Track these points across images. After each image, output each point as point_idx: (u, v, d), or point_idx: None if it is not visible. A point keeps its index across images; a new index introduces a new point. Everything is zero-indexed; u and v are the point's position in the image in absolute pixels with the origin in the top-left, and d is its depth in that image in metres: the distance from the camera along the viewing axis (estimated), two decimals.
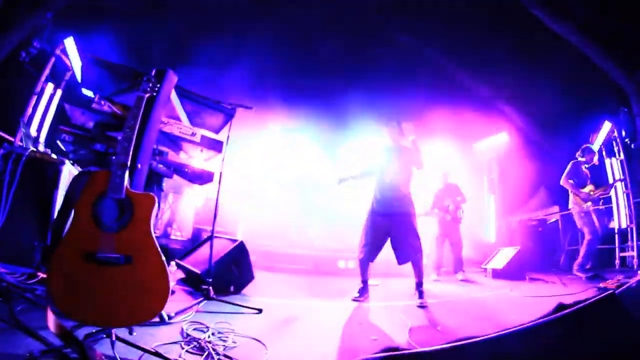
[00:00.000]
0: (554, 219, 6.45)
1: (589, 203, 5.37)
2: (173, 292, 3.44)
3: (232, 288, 3.98)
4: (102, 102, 2.98)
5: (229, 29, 7.98)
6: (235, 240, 4.32)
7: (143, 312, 1.93)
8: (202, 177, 3.90)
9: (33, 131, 4.24)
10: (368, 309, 3.80)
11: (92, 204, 2.02)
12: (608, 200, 6.16)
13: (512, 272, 6.06)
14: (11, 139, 4.11)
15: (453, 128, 7.77)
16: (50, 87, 4.76)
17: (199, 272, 3.86)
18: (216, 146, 3.67)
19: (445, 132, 8.08)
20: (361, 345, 2.51)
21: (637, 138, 5.92)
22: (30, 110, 4.40)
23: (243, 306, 3.22)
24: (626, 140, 5.89)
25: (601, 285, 4.70)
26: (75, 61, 4.75)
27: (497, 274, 6.23)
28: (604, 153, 6.46)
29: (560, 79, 6.93)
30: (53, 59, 4.63)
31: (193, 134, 3.55)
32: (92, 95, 3.16)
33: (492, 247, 7.76)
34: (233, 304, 3.21)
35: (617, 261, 5.91)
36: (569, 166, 5.75)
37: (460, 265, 6.38)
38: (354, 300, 4.05)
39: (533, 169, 7.92)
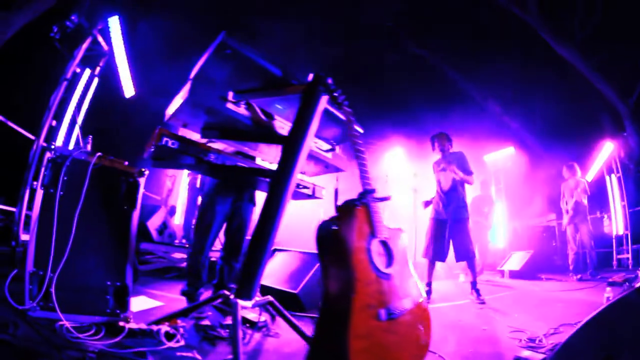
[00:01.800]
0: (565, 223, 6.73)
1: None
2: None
3: (319, 304, 3.51)
4: (239, 103, 2.19)
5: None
6: (310, 253, 3.80)
7: (423, 352, 1.77)
8: (313, 194, 3.23)
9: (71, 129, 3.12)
10: (446, 310, 3.73)
11: (366, 249, 1.65)
12: (607, 210, 6.70)
13: (528, 273, 6.30)
14: (45, 142, 2.99)
15: (465, 141, 7.83)
16: (87, 73, 3.57)
17: (297, 292, 3.33)
18: (341, 164, 2.89)
19: (458, 145, 8.05)
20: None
21: (633, 157, 6.46)
22: (58, 100, 3.23)
23: None
24: (624, 159, 6.41)
25: (610, 280, 5.05)
26: (118, 45, 3.65)
27: (514, 275, 6.40)
28: (604, 170, 6.85)
29: (566, 100, 7.26)
30: (90, 39, 3.48)
31: (329, 150, 2.76)
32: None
33: (502, 252, 7.90)
34: None
35: (614, 262, 6.35)
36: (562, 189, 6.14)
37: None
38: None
39: (535, 180, 8.15)
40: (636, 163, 6.42)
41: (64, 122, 3.30)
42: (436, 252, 4.23)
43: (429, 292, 4.15)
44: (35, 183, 2.18)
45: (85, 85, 3.48)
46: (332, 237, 1.71)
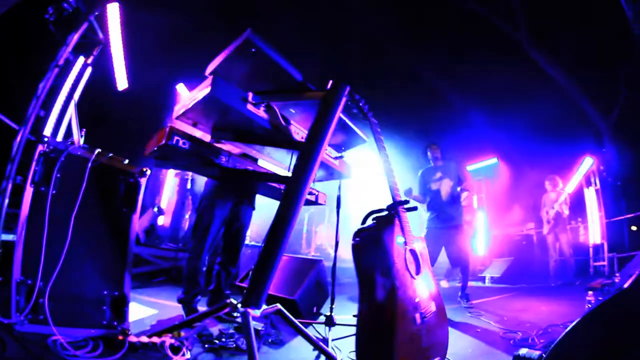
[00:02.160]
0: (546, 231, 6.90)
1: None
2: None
3: (314, 309, 3.50)
4: (258, 104, 2.01)
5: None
6: (314, 260, 3.73)
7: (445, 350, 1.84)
8: (317, 200, 3.10)
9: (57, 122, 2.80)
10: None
11: (403, 257, 1.73)
12: (584, 220, 6.97)
13: (509, 279, 6.46)
14: (47, 136, 2.68)
15: (449, 151, 7.90)
16: (80, 61, 3.24)
17: (295, 298, 3.23)
18: (346, 171, 2.77)
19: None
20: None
21: (611, 171, 6.74)
22: (48, 87, 2.90)
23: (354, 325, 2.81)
24: (603, 173, 6.69)
25: (589, 285, 5.24)
26: (114, 34, 3.35)
27: (495, 281, 6.56)
28: (583, 183, 7.08)
29: (549, 115, 7.46)
30: (86, 25, 3.16)
31: (337, 158, 2.64)
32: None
33: (482, 259, 8.05)
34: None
35: (591, 270, 6.59)
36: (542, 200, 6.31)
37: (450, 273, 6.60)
38: None
39: (516, 190, 8.35)
40: (614, 177, 6.70)
41: (52, 112, 2.99)
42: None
43: None
44: (19, 178, 1.95)
45: (77, 74, 3.18)
46: (377, 246, 1.75)
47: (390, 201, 2.02)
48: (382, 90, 8.51)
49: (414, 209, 2.08)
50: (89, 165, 2.00)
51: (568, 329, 1.71)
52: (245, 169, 2.32)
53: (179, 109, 2.09)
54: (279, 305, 2.17)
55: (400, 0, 8.43)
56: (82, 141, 2.50)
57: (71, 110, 2.29)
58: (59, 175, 1.95)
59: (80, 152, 2.07)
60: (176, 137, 1.94)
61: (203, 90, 1.82)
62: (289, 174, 2.64)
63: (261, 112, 2.06)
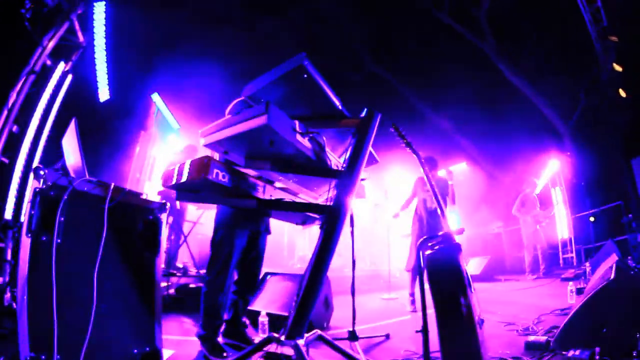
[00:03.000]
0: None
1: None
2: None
3: (325, 324, 3.40)
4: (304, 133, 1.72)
5: None
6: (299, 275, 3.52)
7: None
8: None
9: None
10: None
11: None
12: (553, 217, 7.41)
13: (487, 276, 6.64)
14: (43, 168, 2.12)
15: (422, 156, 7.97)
16: (60, 67, 2.61)
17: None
18: (361, 191, 2.55)
19: (413, 159, 8.14)
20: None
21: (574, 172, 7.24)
22: (21, 97, 2.27)
23: (374, 336, 2.97)
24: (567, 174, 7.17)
25: (563, 275, 5.62)
26: (99, 38, 2.77)
27: (474, 279, 6.60)
28: (549, 184, 7.50)
29: (516, 121, 7.83)
30: (67, 25, 2.55)
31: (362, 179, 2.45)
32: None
33: None
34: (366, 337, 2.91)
35: (560, 261, 7.02)
36: (518, 198, 6.59)
37: None
38: (413, 311, 4.13)
39: (485, 192, 8.64)
40: (577, 177, 7.21)
41: (30, 128, 2.39)
42: (418, 268, 4.32)
43: (412, 302, 4.24)
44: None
45: (57, 83, 2.60)
46: (457, 270, 1.88)
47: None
48: (349, 96, 8.46)
49: (461, 231, 2.19)
50: (106, 206, 1.61)
51: (570, 315, 2.23)
52: (284, 200, 2.05)
53: (210, 135, 1.76)
54: (318, 331, 2.11)
55: (372, 10, 8.44)
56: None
57: (72, 129, 1.84)
58: (62, 219, 1.54)
59: (89, 187, 1.66)
60: (216, 170, 1.62)
61: (254, 119, 1.52)
62: (317, 201, 2.47)
63: (306, 142, 1.81)
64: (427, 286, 1.89)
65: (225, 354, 2.33)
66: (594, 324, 2.04)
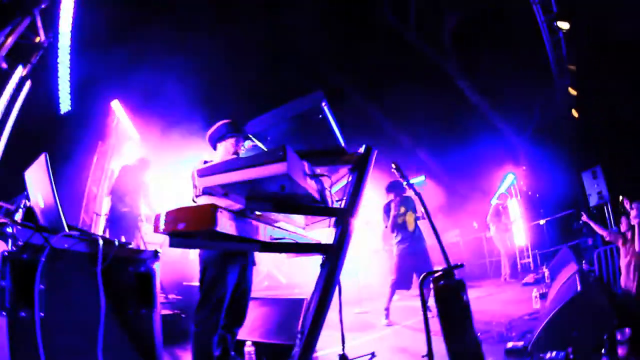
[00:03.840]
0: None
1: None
2: None
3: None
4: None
5: None
6: (299, 300, 3.33)
7: None
8: None
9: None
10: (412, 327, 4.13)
11: None
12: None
13: None
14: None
15: (380, 169, 8.10)
16: (18, 72, 2.14)
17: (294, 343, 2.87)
18: None
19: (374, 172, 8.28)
20: None
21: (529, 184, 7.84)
22: None
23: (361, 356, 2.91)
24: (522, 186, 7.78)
25: (523, 281, 6.05)
26: (64, 36, 2.31)
27: None
28: (507, 195, 7.97)
29: (472, 136, 8.28)
30: (28, 21, 2.09)
31: None
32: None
33: None
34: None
35: (519, 266, 7.46)
36: (491, 209, 7.07)
37: None
38: (389, 325, 4.28)
39: (443, 203, 9.06)
40: (531, 188, 7.82)
41: None
42: (401, 281, 4.54)
43: (387, 316, 4.42)
44: None
45: (12, 92, 2.16)
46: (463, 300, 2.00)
47: None
48: None
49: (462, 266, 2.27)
50: (99, 269, 1.37)
51: (544, 322, 2.46)
52: (286, 242, 1.94)
53: (211, 177, 1.59)
54: None
55: (335, 23, 8.54)
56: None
57: (42, 165, 1.58)
58: (43, 287, 1.27)
59: (70, 244, 1.41)
60: (223, 219, 1.47)
61: (272, 166, 1.40)
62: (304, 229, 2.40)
63: (313, 183, 1.72)
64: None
65: None
66: (565, 329, 2.32)
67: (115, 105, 6.20)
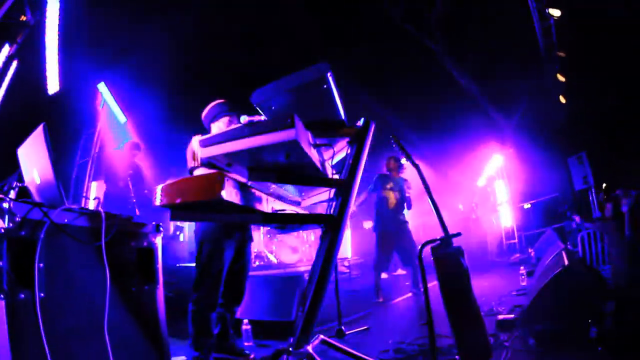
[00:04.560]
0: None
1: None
2: None
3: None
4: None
5: None
6: (295, 276, 3.55)
7: None
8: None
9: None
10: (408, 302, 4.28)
11: None
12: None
13: None
14: None
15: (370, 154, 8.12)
16: (5, 50, 2.01)
17: (293, 319, 2.99)
18: None
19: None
20: None
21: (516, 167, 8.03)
22: None
23: (357, 331, 3.04)
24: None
25: (510, 260, 6.24)
26: (52, 14, 2.17)
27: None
28: (494, 177, 8.25)
29: (460, 119, 8.29)
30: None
31: None
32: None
33: None
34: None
35: (505, 247, 7.72)
36: (477, 190, 7.24)
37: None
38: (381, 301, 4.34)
39: (429, 184, 9.14)
40: (518, 171, 7.99)
41: None
42: (379, 263, 4.52)
43: (378, 294, 4.45)
44: None
45: None
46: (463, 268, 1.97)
47: None
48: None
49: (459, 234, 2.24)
50: (103, 243, 1.33)
51: (534, 296, 2.58)
52: (288, 213, 1.94)
53: (215, 146, 1.57)
54: (321, 336, 2.14)
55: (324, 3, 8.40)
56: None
57: (40, 137, 1.51)
58: (42, 265, 1.21)
59: (70, 218, 1.36)
60: (230, 189, 1.45)
61: (280, 133, 1.38)
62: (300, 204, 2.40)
63: (315, 153, 1.71)
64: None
65: None
66: (553, 302, 2.44)
67: (102, 88, 5.99)
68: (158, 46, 6.21)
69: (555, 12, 6.31)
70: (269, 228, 7.56)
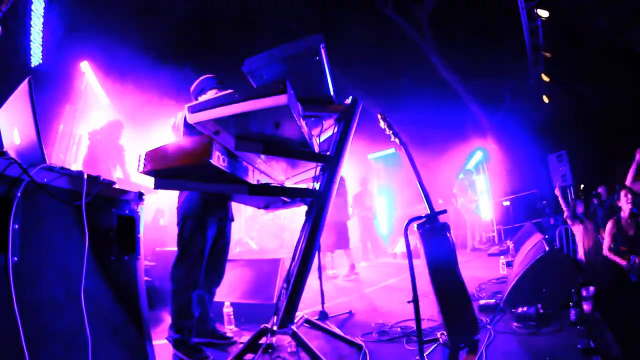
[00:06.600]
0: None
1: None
2: None
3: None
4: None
5: None
6: (275, 260, 3.37)
7: None
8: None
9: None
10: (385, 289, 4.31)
11: None
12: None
13: (417, 252, 7.23)
14: None
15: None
16: None
17: (273, 302, 2.90)
18: None
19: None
20: None
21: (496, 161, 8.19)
22: None
23: (339, 314, 3.07)
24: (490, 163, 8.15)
25: (489, 251, 6.36)
26: None
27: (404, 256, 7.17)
28: (474, 171, 8.23)
29: (443, 113, 8.37)
30: None
31: None
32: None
33: (389, 238, 8.35)
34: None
35: (484, 239, 7.80)
36: (456, 182, 7.36)
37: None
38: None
39: (411, 176, 9.19)
40: (499, 166, 8.18)
41: None
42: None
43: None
44: None
45: None
46: (449, 242, 1.96)
47: None
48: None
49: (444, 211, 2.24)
50: (83, 202, 1.26)
51: (514, 281, 2.68)
52: (275, 185, 1.91)
53: (204, 112, 1.51)
54: (305, 316, 2.17)
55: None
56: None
57: (24, 92, 1.42)
58: (17, 226, 1.12)
59: (49, 178, 1.28)
60: (217, 153, 1.40)
61: (272, 97, 1.34)
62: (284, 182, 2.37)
63: (304, 124, 1.68)
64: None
65: (205, 356, 2.13)
66: (534, 286, 2.53)
67: (85, 66, 5.75)
68: (146, 23, 6.01)
69: (544, 13, 6.44)
70: (251, 213, 7.50)
